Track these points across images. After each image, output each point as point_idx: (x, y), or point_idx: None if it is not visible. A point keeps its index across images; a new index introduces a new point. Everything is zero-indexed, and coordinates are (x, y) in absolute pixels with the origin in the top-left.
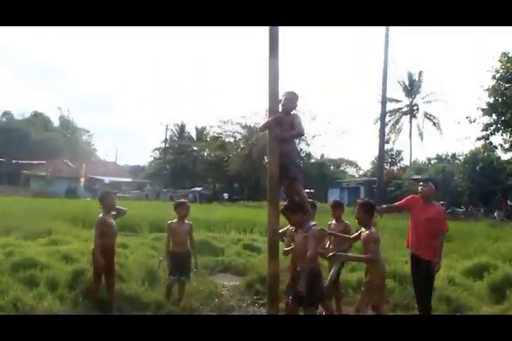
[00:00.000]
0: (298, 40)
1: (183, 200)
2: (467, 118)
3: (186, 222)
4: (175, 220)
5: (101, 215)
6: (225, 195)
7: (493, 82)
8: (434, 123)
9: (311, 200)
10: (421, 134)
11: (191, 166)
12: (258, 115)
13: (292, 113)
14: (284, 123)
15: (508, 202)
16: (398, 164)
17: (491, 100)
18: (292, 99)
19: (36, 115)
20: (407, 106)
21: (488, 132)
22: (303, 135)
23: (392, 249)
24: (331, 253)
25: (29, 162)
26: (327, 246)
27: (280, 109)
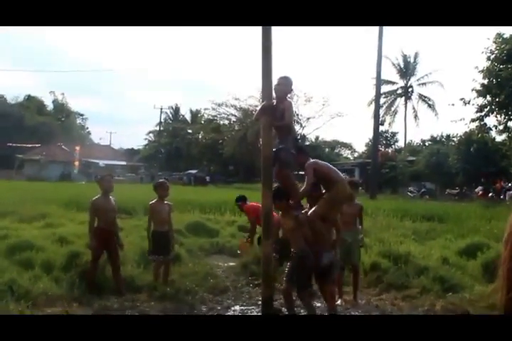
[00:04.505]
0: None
1: (162, 181)
2: (461, 99)
3: (166, 202)
4: (155, 200)
5: (96, 197)
6: (207, 178)
7: (487, 63)
8: (429, 105)
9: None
10: (416, 116)
11: (186, 149)
12: (252, 97)
13: (287, 100)
14: (276, 111)
15: (502, 184)
16: (393, 146)
17: (486, 81)
18: (286, 84)
19: (30, 99)
20: (402, 88)
21: (483, 113)
22: (289, 126)
23: (387, 230)
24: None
25: (23, 145)
26: None
27: (274, 94)
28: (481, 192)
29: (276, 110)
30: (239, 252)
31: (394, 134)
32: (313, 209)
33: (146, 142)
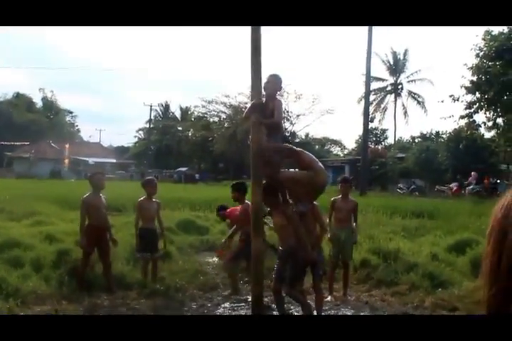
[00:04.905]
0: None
1: (151, 178)
2: (451, 96)
3: (154, 200)
4: (143, 198)
5: (86, 195)
6: (197, 176)
7: (476, 60)
8: (419, 102)
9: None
10: (405, 113)
11: (176, 146)
12: (242, 95)
13: (276, 98)
14: (266, 109)
15: (490, 180)
16: (383, 143)
17: (475, 78)
18: (275, 81)
19: (19, 96)
20: (392, 85)
21: (472, 110)
22: (278, 124)
23: (377, 226)
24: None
25: (12, 143)
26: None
27: (263, 92)
28: (455, 188)
29: (266, 108)
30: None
31: (384, 131)
32: (289, 170)
33: (136, 140)
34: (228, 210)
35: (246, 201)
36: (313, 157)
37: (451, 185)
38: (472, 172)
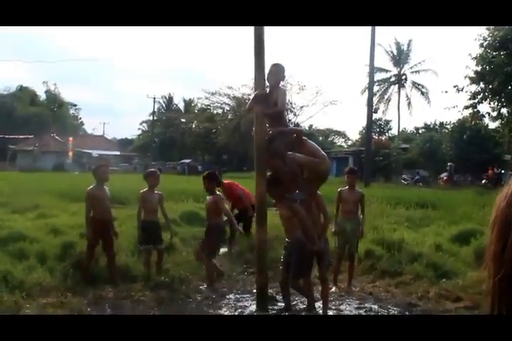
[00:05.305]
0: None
1: (153, 170)
2: (455, 87)
3: (156, 192)
4: (145, 189)
5: (91, 187)
6: (199, 168)
7: (480, 50)
8: (422, 93)
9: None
10: (409, 104)
11: (179, 138)
12: (246, 86)
13: (280, 87)
14: (269, 100)
15: (495, 170)
16: (386, 134)
17: (479, 68)
18: (277, 71)
19: (22, 89)
20: (395, 75)
21: (476, 100)
22: (281, 113)
23: (381, 217)
24: None
25: (16, 137)
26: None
27: (267, 83)
28: (445, 178)
29: (269, 98)
30: None
31: (387, 122)
32: (296, 154)
33: (139, 132)
34: (226, 182)
35: (218, 193)
36: (317, 146)
37: (441, 175)
38: (448, 163)
